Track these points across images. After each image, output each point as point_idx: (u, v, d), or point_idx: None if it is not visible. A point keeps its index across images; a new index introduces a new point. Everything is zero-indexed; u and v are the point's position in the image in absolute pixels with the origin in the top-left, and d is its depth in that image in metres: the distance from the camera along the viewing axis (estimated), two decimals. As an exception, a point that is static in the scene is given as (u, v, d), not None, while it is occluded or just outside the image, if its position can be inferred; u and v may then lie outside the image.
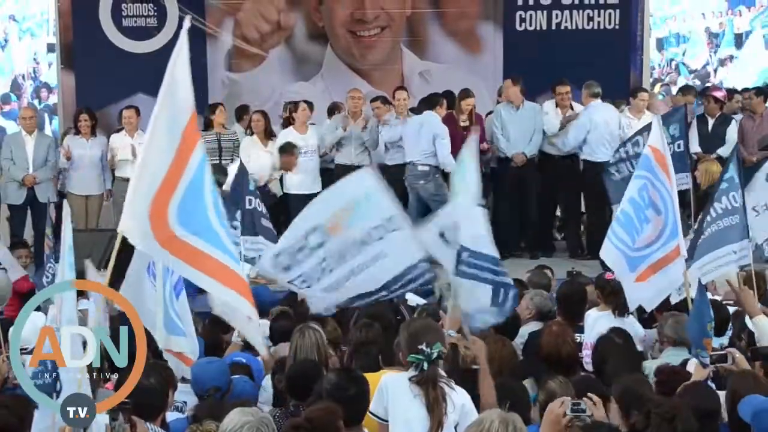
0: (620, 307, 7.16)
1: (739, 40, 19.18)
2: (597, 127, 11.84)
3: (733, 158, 7.13)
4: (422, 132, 11.69)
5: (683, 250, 6.50)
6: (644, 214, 6.60)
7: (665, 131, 9.10)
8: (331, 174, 12.04)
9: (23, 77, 18.74)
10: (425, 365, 4.84)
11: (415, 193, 11.75)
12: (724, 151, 11.84)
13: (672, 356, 6.30)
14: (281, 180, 12.18)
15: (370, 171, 5.92)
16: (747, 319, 6.74)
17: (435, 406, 4.80)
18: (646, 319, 7.64)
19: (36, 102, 18.09)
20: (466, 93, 12.19)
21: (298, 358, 6.04)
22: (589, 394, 4.82)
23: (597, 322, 6.96)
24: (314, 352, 6.08)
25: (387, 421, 4.88)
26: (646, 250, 6.61)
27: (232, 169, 10.04)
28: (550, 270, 9.44)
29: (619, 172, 9.21)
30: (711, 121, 12.38)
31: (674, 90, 16.30)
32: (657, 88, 18.09)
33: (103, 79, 13.94)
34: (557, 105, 12.39)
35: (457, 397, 4.90)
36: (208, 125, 12.39)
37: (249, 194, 9.09)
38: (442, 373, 4.94)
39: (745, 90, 13.37)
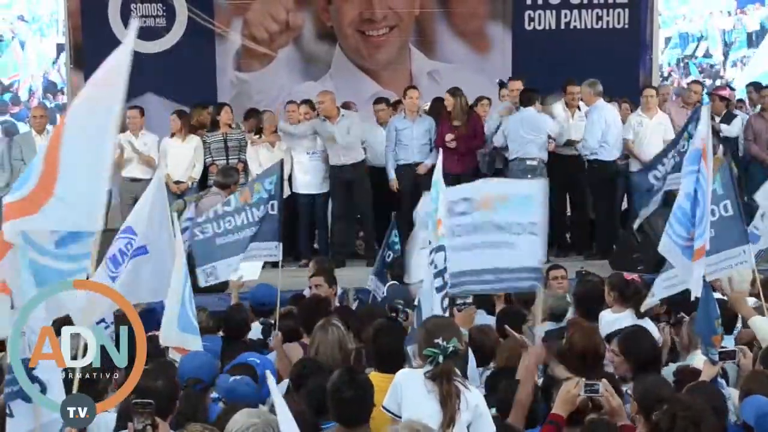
0: (640, 309, 7.13)
1: (751, 40, 19.14)
2: (609, 126, 11.84)
3: (724, 167, 7.06)
4: (525, 127, 11.69)
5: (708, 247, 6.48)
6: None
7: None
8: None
9: (32, 77, 18.80)
10: (440, 359, 4.87)
11: None
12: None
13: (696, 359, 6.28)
14: (290, 180, 12.18)
15: (544, 183, 6.43)
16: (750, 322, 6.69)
17: (448, 401, 4.82)
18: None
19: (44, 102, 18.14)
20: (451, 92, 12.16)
21: (322, 354, 6.05)
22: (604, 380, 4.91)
23: (616, 323, 6.88)
24: (337, 348, 6.10)
25: (400, 417, 4.88)
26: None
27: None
28: (564, 269, 9.38)
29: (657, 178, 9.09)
30: (717, 120, 12.39)
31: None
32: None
33: (111, 79, 13.93)
34: (567, 105, 12.37)
35: (472, 397, 4.91)
36: (214, 125, 12.41)
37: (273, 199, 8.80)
38: (458, 371, 4.97)
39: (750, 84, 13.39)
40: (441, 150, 11.71)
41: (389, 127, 12.25)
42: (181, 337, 6.30)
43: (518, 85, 12.16)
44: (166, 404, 5.06)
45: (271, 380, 4.02)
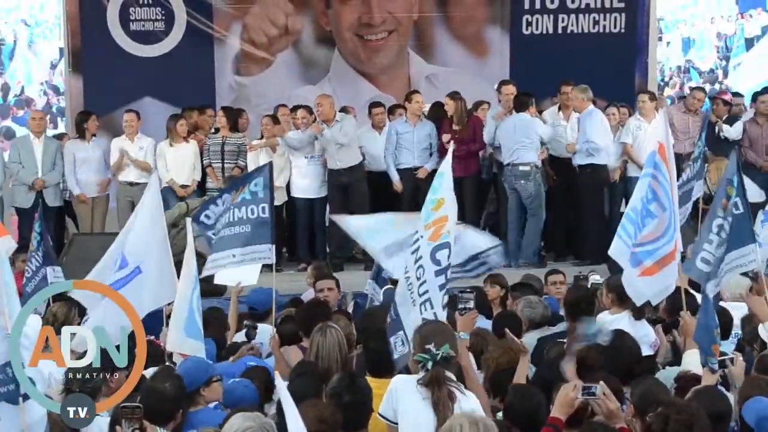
0: (638, 311, 7.14)
1: (750, 45, 19.14)
2: (605, 129, 11.86)
3: (733, 164, 7.08)
4: (518, 132, 11.71)
5: (680, 246, 6.51)
6: (647, 209, 6.59)
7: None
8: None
9: (35, 81, 18.81)
10: (429, 365, 4.86)
11: (515, 195, 11.81)
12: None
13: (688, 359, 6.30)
14: (288, 186, 12.19)
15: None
16: (760, 327, 6.71)
17: (441, 406, 4.81)
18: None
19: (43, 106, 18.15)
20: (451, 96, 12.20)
21: (321, 356, 6.06)
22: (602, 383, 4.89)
23: (613, 324, 6.89)
24: (336, 351, 6.11)
25: (396, 423, 4.89)
26: (650, 245, 6.60)
27: None
28: (563, 275, 9.36)
29: None
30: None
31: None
32: (667, 92, 18.08)
33: (110, 83, 13.96)
34: (561, 106, 12.37)
35: (467, 402, 4.91)
36: (217, 129, 12.46)
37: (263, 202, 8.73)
38: (452, 376, 4.96)
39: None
40: (452, 143, 11.72)
41: (390, 131, 12.25)
42: (187, 342, 6.31)
43: (511, 89, 12.14)
44: (170, 407, 5.06)
45: (279, 382, 4.00)
